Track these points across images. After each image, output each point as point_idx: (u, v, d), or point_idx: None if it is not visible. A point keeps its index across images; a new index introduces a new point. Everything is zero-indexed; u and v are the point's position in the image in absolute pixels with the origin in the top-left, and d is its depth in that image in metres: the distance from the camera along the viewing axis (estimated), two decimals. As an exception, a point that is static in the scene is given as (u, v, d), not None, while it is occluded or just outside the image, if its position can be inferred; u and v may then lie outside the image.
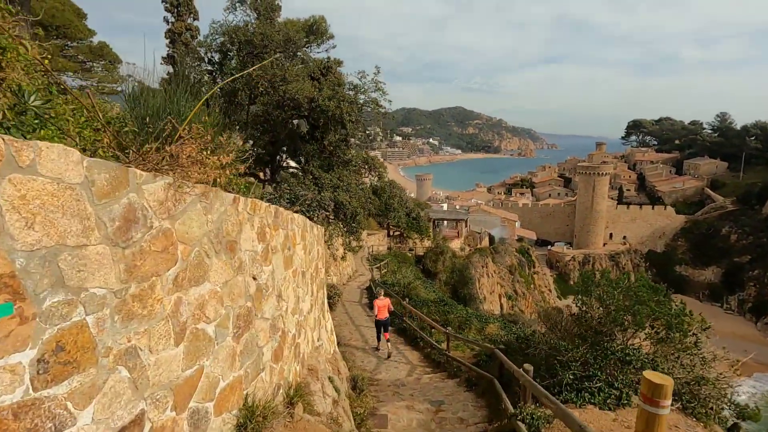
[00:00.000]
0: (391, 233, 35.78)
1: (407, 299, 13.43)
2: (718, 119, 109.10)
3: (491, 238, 54.65)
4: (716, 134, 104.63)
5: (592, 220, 76.37)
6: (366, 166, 14.97)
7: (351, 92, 13.41)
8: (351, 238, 13.14)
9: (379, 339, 10.78)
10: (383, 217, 33.96)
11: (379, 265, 23.16)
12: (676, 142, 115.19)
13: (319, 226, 6.87)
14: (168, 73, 14.36)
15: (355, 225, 12.23)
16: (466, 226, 49.02)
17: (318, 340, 5.87)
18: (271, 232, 3.42)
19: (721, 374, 5.30)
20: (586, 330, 6.01)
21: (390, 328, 10.63)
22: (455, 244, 42.10)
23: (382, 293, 11.30)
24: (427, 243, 36.09)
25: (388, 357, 10.36)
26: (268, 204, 3.42)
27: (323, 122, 12.70)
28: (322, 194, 11.06)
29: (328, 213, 10.99)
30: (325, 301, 7.77)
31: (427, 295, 14.60)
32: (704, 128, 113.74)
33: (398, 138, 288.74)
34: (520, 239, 64.12)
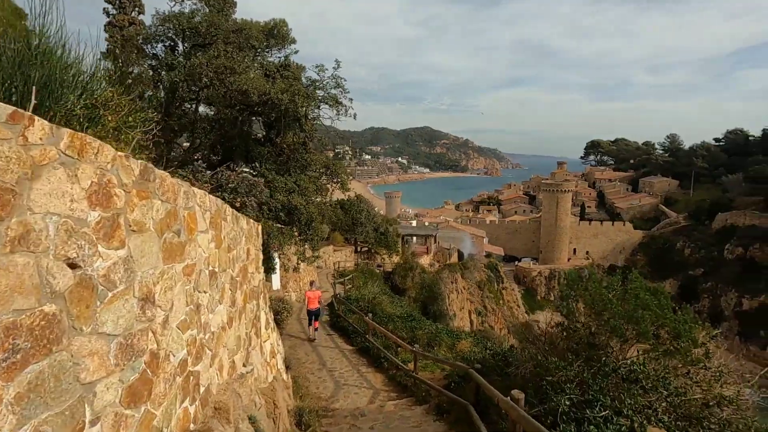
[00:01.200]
0: (359, 249, 34.52)
1: (371, 315, 12.26)
2: (668, 140, 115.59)
3: (460, 254, 54.26)
4: (667, 154, 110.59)
5: (556, 235, 77.89)
6: (327, 172, 13.72)
7: (309, 87, 12.34)
8: (306, 246, 11.85)
9: (310, 325, 12.57)
10: (350, 232, 32.71)
11: (343, 280, 21.79)
12: (631, 161, 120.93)
13: (252, 221, 5.61)
14: (105, 70, 12.73)
15: (311, 232, 10.99)
16: (435, 242, 48.40)
17: (246, 366, 4.54)
18: (128, 197, 2.18)
19: (739, 391, 4.37)
20: (577, 343, 4.98)
21: (339, 318, 10.52)
22: (425, 260, 41.21)
23: (314, 285, 12.90)
24: (396, 259, 34.99)
25: (313, 341, 12.08)
26: (124, 155, 2.19)
27: (276, 117, 11.43)
28: (275, 197, 9.79)
29: (279, 216, 9.72)
30: (265, 316, 6.43)
31: (393, 310, 13.43)
32: (656, 148, 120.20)
33: (367, 157, 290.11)
34: (488, 255, 64.25)
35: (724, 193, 79.22)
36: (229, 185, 6.15)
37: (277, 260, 16.23)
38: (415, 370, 8.43)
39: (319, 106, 12.36)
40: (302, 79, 12.36)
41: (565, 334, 5.32)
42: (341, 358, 11.26)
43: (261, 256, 6.17)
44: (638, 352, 5.07)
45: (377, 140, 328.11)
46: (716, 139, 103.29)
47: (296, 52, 16.52)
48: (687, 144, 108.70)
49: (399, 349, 10.25)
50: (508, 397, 3.72)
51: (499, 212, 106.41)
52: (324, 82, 12.24)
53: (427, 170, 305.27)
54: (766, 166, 76.87)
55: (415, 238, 46.88)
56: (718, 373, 4.40)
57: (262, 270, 6.27)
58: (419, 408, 7.19)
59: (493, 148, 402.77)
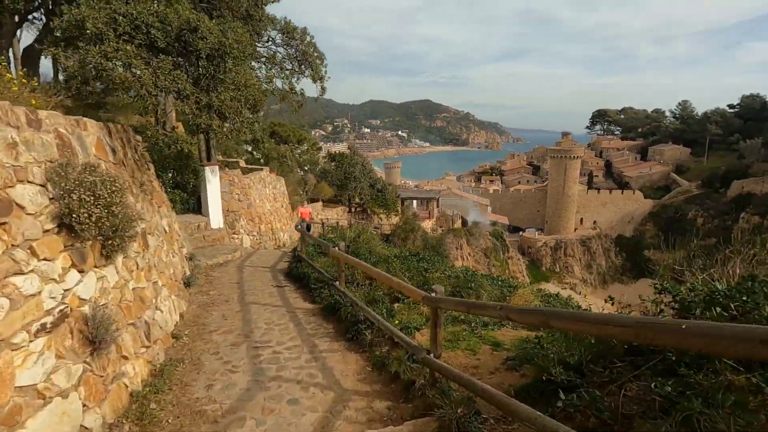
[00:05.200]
0: (353, 209, 31.30)
1: (349, 252, 8.73)
2: (680, 107, 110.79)
3: (464, 222, 51.19)
4: (678, 121, 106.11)
5: (563, 205, 74.77)
6: (296, 65, 10.46)
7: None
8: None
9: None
10: (343, 188, 29.41)
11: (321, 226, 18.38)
12: (639, 130, 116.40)
13: None
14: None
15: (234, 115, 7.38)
16: (437, 206, 45.17)
17: None
18: None
19: None
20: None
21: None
22: (426, 225, 38.09)
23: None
24: (396, 220, 31.81)
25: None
26: None
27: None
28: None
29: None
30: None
31: (389, 252, 9.97)
32: (666, 116, 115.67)
33: (366, 130, 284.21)
34: (494, 224, 61.21)
35: (740, 160, 75.51)
36: None
37: (209, 177, 12.81)
38: (435, 346, 4.09)
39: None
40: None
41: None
42: (287, 323, 7.11)
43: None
44: None
45: (377, 113, 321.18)
46: (730, 105, 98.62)
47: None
48: (699, 111, 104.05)
49: (398, 305, 6.54)
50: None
51: (502, 183, 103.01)
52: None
53: (428, 144, 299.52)
54: (787, 131, 72.99)
55: (415, 201, 43.61)
56: None
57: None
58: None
59: (494, 122, 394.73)
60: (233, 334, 6.72)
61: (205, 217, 13.35)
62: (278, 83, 11.50)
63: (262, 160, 28.82)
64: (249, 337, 6.58)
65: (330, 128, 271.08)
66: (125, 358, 4.49)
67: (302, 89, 12.03)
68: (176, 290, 7.47)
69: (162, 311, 6.26)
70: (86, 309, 3.86)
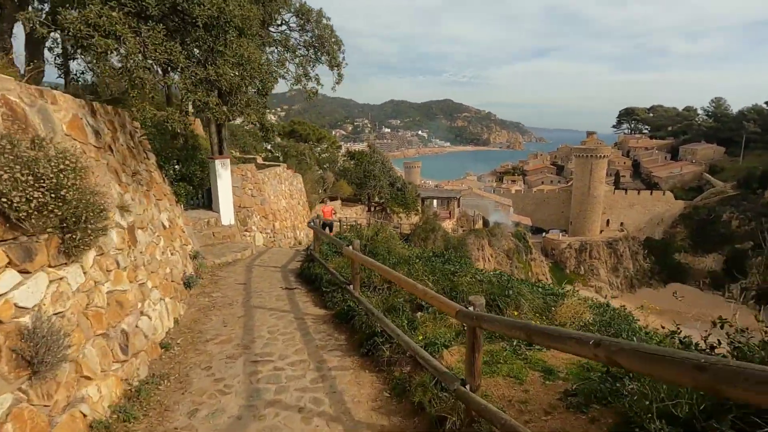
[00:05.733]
0: (372, 208, 30.41)
1: (367, 252, 7.98)
2: (713, 105, 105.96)
3: (485, 222, 49.73)
4: (711, 119, 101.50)
5: (589, 205, 72.24)
6: (311, 51, 9.69)
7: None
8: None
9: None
10: (362, 187, 28.56)
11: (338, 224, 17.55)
12: (669, 128, 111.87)
13: None
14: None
15: (238, 102, 6.59)
16: (458, 206, 43.89)
17: None
18: None
19: None
20: None
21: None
22: (447, 225, 36.91)
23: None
24: (416, 219, 30.76)
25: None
26: None
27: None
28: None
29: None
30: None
31: (410, 252, 8.89)
32: (698, 114, 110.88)
33: (386, 130, 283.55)
34: (516, 224, 59.50)
35: (779, 159, 71.49)
36: None
37: (220, 170, 12.06)
38: (472, 376, 3.18)
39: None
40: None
41: None
42: (293, 331, 6.24)
43: None
44: None
45: (397, 113, 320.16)
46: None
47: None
48: (734, 109, 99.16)
49: (421, 315, 5.48)
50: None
51: (524, 183, 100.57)
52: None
53: (448, 144, 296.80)
54: (832, 128, 68.67)
55: (436, 201, 42.42)
56: None
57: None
58: None
59: (516, 122, 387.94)
60: (231, 344, 5.85)
61: (216, 212, 12.65)
62: (291, 68, 10.72)
63: (280, 158, 28.23)
64: (249, 348, 5.69)
65: (350, 128, 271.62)
66: (87, 378, 3.66)
67: (317, 75, 11.20)
68: (172, 292, 6.69)
69: (150, 317, 5.45)
70: (26, 320, 3.03)
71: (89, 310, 3.98)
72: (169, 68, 5.94)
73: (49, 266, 3.46)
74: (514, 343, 4.39)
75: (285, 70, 10.47)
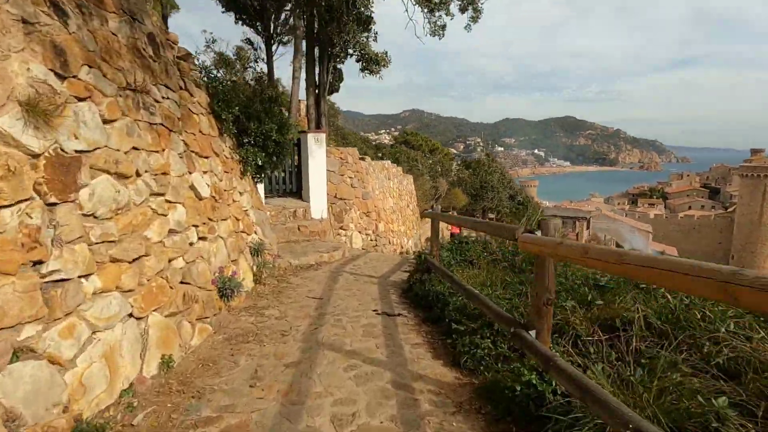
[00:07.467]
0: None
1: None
2: None
3: (618, 248, 41.87)
4: None
5: (759, 236, 58.01)
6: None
7: None
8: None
9: None
10: (478, 198, 25.01)
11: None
12: None
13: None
14: None
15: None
16: (587, 227, 37.41)
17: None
18: None
19: None
20: None
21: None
22: (574, 247, 31.12)
23: None
24: (538, 238, 26.03)
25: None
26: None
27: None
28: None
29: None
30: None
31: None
32: None
33: (499, 148, 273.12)
34: (660, 254, 49.53)
35: None
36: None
37: (313, 147, 9.40)
38: None
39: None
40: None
41: None
42: (388, 426, 2.68)
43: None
44: None
45: (512, 131, 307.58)
46: None
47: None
48: None
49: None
50: None
51: (665, 207, 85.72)
52: None
53: (568, 163, 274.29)
54: None
55: (561, 221, 36.54)
56: None
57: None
58: None
59: (652, 140, 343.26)
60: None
61: (305, 202, 10.43)
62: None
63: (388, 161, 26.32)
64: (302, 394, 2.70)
65: (462, 147, 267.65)
66: None
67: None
68: (180, 306, 4.11)
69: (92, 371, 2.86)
70: None
71: None
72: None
73: None
74: None
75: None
